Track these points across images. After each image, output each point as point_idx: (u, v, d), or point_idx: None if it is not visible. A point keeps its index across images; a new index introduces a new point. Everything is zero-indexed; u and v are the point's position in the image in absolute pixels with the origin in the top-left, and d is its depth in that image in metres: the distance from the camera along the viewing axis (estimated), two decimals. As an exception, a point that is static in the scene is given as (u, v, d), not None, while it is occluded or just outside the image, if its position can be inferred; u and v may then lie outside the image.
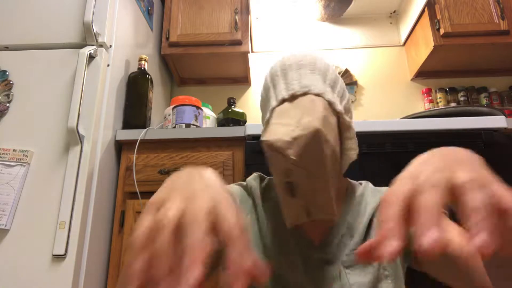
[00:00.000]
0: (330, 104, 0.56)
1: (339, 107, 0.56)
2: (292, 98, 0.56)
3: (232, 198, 0.32)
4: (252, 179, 0.69)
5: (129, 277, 0.25)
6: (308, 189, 0.52)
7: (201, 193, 0.31)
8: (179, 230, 0.27)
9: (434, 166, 0.30)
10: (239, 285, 0.25)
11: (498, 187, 0.27)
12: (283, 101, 0.56)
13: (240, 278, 0.25)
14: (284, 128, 0.51)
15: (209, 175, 0.35)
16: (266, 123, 0.59)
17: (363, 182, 0.69)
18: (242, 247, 0.27)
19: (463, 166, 0.29)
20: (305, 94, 0.56)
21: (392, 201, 0.28)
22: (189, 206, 0.29)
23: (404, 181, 0.30)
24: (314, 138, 0.49)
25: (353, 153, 0.61)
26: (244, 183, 0.70)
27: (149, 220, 0.29)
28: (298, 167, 0.50)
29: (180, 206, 0.29)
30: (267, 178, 0.71)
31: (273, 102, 0.57)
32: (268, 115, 0.58)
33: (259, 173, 0.72)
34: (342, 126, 0.58)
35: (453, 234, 0.52)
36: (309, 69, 0.59)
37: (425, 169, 0.30)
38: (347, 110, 0.61)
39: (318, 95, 0.55)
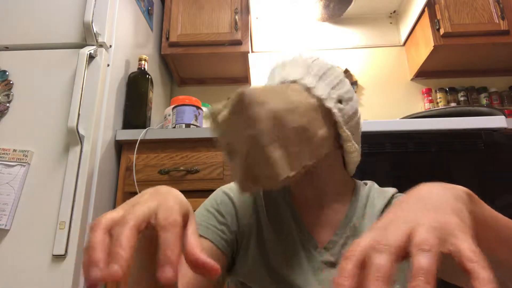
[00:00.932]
0: (320, 99, 0.54)
1: (331, 103, 0.55)
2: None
3: (184, 202, 0.35)
4: None
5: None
6: (242, 152, 0.48)
7: (149, 198, 0.34)
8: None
9: (403, 216, 0.32)
10: (168, 273, 0.27)
11: (461, 241, 0.28)
12: None
13: (169, 266, 0.28)
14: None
15: (168, 189, 0.38)
16: None
17: (368, 182, 0.68)
18: (174, 237, 0.30)
19: (431, 215, 0.31)
20: (293, 82, 0.56)
21: (351, 255, 0.29)
22: (131, 209, 0.32)
23: (369, 234, 0.31)
24: (238, 101, 0.46)
25: (353, 156, 0.60)
26: None
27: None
28: (226, 129, 0.49)
29: (122, 209, 0.32)
30: None
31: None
32: None
33: None
34: (336, 126, 0.57)
35: None
36: (307, 67, 0.59)
37: (395, 219, 0.32)
38: (346, 115, 0.58)
39: (294, 81, 0.56)
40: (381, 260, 0.27)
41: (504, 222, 0.42)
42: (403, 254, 0.29)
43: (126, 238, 0.28)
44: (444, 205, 0.33)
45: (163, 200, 0.33)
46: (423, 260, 0.26)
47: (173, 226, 0.30)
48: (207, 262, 0.31)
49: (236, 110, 0.47)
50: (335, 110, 0.56)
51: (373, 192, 0.65)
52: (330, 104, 0.55)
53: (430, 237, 0.28)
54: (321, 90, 0.55)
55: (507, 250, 0.41)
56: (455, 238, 0.28)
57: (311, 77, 0.57)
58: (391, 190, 0.65)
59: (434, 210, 0.32)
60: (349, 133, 0.58)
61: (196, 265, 0.31)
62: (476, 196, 0.38)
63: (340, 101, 0.58)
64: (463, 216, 0.32)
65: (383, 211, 0.61)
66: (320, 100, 0.55)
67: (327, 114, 0.55)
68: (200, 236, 0.59)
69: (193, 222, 0.35)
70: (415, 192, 0.37)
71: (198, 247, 0.32)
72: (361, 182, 0.68)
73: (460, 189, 0.37)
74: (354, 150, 0.60)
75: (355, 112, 0.61)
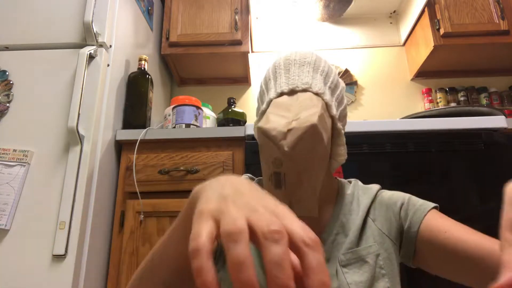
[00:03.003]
0: (327, 106, 0.56)
1: (334, 111, 0.57)
2: (292, 92, 0.56)
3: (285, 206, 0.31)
4: None
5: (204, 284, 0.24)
6: (294, 182, 0.52)
7: (257, 205, 0.30)
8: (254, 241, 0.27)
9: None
10: None
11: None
12: (281, 94, 0.57)
13: None
14: (281, 119, 0.52)
15: (251, 184, 0.34)
16: (261, 113, 0.60)
17: (352, 180, 0.70)
18: (320, 257, 0.26)
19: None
20: (304, 91, 0.56)
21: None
22: (255, 217, 0.28)
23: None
24: (309, 133, 0.49)
25: (341, 159, 0.62)
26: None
27: (207, 227, 0.27)
28: (288, 159, 0.50)
29: (242, 217, 0.28)
30: (257, 179, 0.71)
31: (272, 94, 0.58)
32: (265, 106, 0.59)
33: (248, 174, 0.72)
34: (334, 132, 0.59)
35: None
36: (312, 67, 0.60)
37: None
38: (342, 117, 0.62)
39: (317, 94, 0.56)
40: None
41: None
42: None
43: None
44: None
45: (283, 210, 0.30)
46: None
47: (314, 248, 0.26)
48: None
49: (302, 142, 0.49)
50: (335, 113, 0.57)
51: (358, 190, 0.66)
52: (333, 111, 0.57)
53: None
54: (335, 110, 0.57)
55: None
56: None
57: (328, 89, 0.58)
58: (375, 187, 0.67)
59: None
60: (344, 137, 0.61)
61: None
62: None
63: (338, 105, 0.60)
64: None
65: (369, 207, 0.63)
66: (333, 118, 0.57)
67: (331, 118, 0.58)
68: None
69: None
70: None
71: None
72: (345, 181, 0.69)
73: None
74: (344, 153, 0.62)
75: (346, 115, 0.64)
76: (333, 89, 0.60)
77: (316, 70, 0.59)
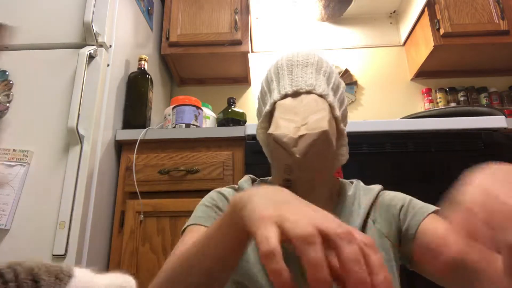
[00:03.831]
0: (331, 107, 0.56)
1: (338, 112, 0.57)
2: (295, 94, 0.56)
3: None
4: (244, 181, 0.69)
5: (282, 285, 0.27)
6: (305, 188, 0.52)
7: (311, 211, 0.33)
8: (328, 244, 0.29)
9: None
10: None
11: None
12: (285, 96, 0.57)
13: None
14: (290, 124, 0.52)
15: (290, 192, 0.38)
16: (264, 115, 0.59)
17: (354, 180, 0.69)
18: (380, 256, 0.29)
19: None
20: (308, 92, 0.56)
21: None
22: (319, 222, 0.30)
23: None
24: (321, 139, 0.50)
25: (343, 159, 0.62)
26: (236, 185, 0.70)
27: (274, 231, 0.30)
28: (300, 165, 0.50)
29: (309, 221, 0.30)
30: (258, 179, 0.71)
31: (276, 95, 0.58)
32: (268, 107, 0.58)
33: (250, 175, 0.72)
34: (337, 133, 0.59)
35: None
36: (315, 68, 0.59)
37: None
38: (344, 117, 0.62)
39: (321, 95, 0.56)
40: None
41: None
42: None
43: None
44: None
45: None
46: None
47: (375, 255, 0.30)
48: None
49: (314, 149, 0.50)
50: (338, 115, 0.58)
51: (359, 190, 0.66)
52: (337, 113, 0.57)
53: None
54: (338, 111, 0.58)
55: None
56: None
57: (331, 91, 0.59)
58: (377, 188, 0.66)
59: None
60: (346, 137, 0.61)
61: None
62: None
63: (340, 106, 0.60)
64: None
65: (370, 208, 0.62)
66: (336, 120, 0.57)
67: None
68: (203, 225, 0.60)
69: None
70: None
71: None
72: (346, 181, 0.69)
73: None
74: (346, 153, 0.62)
75: (347, 115, 0.65)
76: (335, 89, 0.60)
77: (319, 71, 0.59)
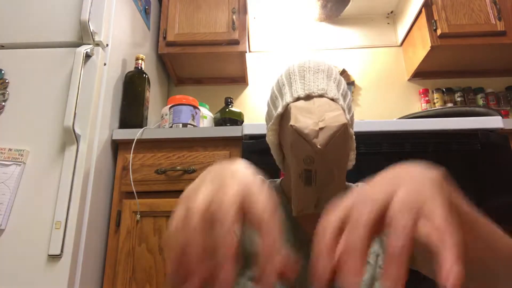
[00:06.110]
0: (342, 110, 0.57)
1: (348, 117, 0.59)
2: (308, 97, 0.58)
3: (262, 183, 0.33)
4: None
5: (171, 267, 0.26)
6: (324, 179, 0.54)
7: (229, 180, 0.31)
8: (209, 216, 0.28)
9: (379, 186, 0.30)
10: (270, 278, 0.25)
11: (433, 208, 0.26)
12: (298, 98, 0.58)
13: (271, 273, 0.26)
14: (308, 119, 0.53)
15: (239, 165, 0.36)
16: (277, 117, 0.60)
17: (360, 184, 0.69)
18: (273, 234, 0.27)
19: (407, 184, 0.30)
20: (321, 96, 0.57)
21: (324, 231, 0.28)
22: (217, 193, 0.30)
23: (341, 207, 0.30)
24: (341, 131, 0.51)
25: (351, 164, 0.64)
26: None
27: (181, 210, 0.29)
28: (320, 156, 0.52)
29: (208, 193, 0.30)
30: (269, 180, 0.72)
31: (288, 98, 0.59)
32: (280, 109, 0.59)
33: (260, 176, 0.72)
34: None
35: None
36: (326, 75, 0.61)
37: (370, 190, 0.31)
38: (352, 122, 0.64)
39: (332, 99, 0.57)
40: (357, 235, 0.26)
41: (490, 228, 0.38)
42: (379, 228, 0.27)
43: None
44: (422, 177, 0.32)
45: None
46: (395, 242, 0.25)
47: (270, 224, 0.29)
48: None
49: (335, 141, 0.52)
50: (348, 119, 0.59)
51: None
52: (347, 117, 0.58)
53: (410, 199, 0.27)
54: (347, 115, 0.59)
55: (497, 260, 0.39)
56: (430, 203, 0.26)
57: (341, 96, 0.60)
58: None
59: (411, 180, 0.31)
60: (354, 142, 0.62)
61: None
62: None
63: (348, 112, 0.62)
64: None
65: None
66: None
67: None
68: None
69: None
70: (393, 170, 0.35)
71: None
72: (353, 185, 0.70)
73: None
74: (353, 158, 0.64)
75: (353, 122, 0.67)
76: (344, 96, 0.62)
77: (330, 77, 0.61)
